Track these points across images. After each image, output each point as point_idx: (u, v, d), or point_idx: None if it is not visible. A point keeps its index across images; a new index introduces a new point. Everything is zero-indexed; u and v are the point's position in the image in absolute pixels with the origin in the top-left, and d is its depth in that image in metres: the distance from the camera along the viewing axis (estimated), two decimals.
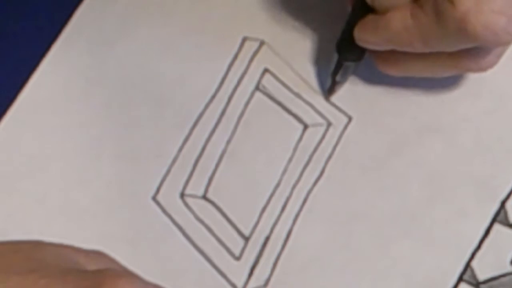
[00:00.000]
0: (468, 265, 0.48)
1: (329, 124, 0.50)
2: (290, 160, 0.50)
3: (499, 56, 0.47)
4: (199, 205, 0.49)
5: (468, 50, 0.45)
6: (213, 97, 0.51)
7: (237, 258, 0.48)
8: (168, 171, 0.49)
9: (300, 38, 0.51)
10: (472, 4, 0.41)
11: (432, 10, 0.43)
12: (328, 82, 0.50)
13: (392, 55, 0.47)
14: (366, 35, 0.47)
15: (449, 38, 0.43)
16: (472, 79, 0.50)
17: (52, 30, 0.52)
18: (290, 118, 0.50)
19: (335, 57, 0.49)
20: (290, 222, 0.49)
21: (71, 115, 0.50)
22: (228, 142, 0.50)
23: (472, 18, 0.42)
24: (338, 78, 0.49)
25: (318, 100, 0.50)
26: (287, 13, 0.51)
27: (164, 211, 0.49)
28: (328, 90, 0.50)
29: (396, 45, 0.46)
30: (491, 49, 0.45)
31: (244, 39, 0.51)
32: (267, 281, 0.48)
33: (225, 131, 0.50)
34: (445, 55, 0.46)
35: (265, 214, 0.49)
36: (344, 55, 0.48)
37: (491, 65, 0.47)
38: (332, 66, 0.49)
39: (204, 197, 0.49)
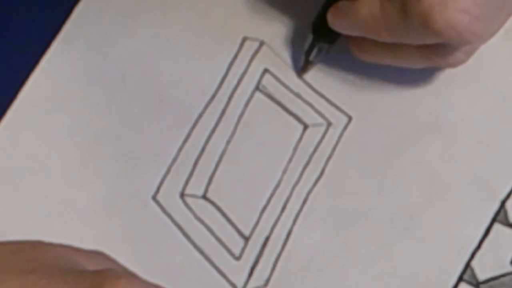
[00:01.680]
0: (468, 265, 0.48)
1: (329, 124, 0.50)
2: (290, 160, 0.50)
3: (468, 54, 0.47)
4: (199, 205, 0.49)
5: (436, 45, 0.45)
6: (213, 97, 0.51)
7: (237, 258, 0.48)
8: (168, 171, 0.49)
9: (300, 38, 0.51)
10: (437, 0, 0.42)
11: (399, 3, 0.43)
12: (302, 61, 0.50)
13: (363, 41, 0.47)
14: (338, 20, 0.47)
15: (414, 32, 0.44)
16: (472, 79, 0.50)
17: (51, 29, 0.52)
18: (290, 118, 0.50)
19: (309, 37, 0.49)
20: (290, 222, 0.49)
21: (71, 114, 0.50)
22: (228, 142, 0.50)
23: (436, 14, 0.42)
24: (311, 58, 0.50)
25: (318, 100, 0.50)
26: (287, 13, 0.51)
27: (164, 211, 0.49)
28: (301, 68, 0.51)
29: (364, 32, 0.46)
30: (459, 46, 0.46)
31: (244, 39, 0.51)
32: (267, 281, 0.48)
33: (225, 131, 0.50)
34: (413, 48, 0.46)
35: (265, 214, 0.49)
36: (318, 36, 0.49)
37: (459, 62, 0.47)
38: (306, 46, 0.50)
39: (204, 197, 0.49)
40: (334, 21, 0.47)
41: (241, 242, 0.48)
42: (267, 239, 0.48)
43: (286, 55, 0.51)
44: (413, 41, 0.45)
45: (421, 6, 0.42)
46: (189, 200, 0.49)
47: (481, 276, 0.47)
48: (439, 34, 0.43)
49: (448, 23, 0.42)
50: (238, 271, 0.48)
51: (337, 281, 0.47)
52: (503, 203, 0.49)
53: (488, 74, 0.50)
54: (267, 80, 0.51)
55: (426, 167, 0.49)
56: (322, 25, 0.48)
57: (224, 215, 0.49)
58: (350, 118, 0.50)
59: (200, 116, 0.50)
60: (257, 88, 0.51)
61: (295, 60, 0.51)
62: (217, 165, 0.50)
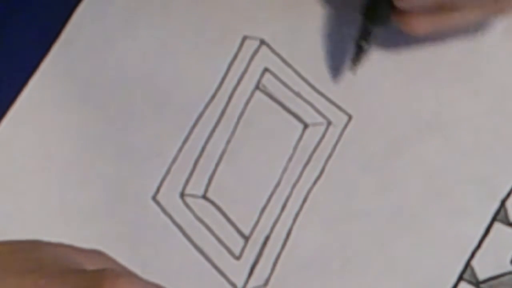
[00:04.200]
0: (468, 264, 0.48)
1: (329, 123, 0.50)
2: (290, 159, 0.50)
3: None
4: (199, 205, 0.49)
5: None
6: (213, 96, 0.51)
7: (237, 258, 0.48)
8: (168, 171, 0.49)
9: (300, 36, 0.51)
10: None
11: None
12: (352, 52, 0.49)
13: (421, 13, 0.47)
14: None
15: None
16: (472, 78, 0.50)
17: (52, 30, 0.52)
18: (290, 117, 0.50)
19: (360, 23, 0.48)
20: (290, 221, 0.49)
21: (71, 115, 0.50)
22: (228, 141, 0.50)
23: None
24: (363, 44, 0.48)
25: (318, 99, 0.50)
26: (287, 12, 0.51)
27: (164, 211, 0.49)
28: (354, 60, 0.49)
29: None
30: None
31: (244, 38, 0.51)
32: (267, 281, 0.48)
33: (225, 130, 0.50)
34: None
35: (265, 214, 0.49)
36: (370, 19, 0.48)
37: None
38: (358, 34, 0.48)
39: (204, 197, 0.49)
40: None
41: (241, 241, 0.48)
42: (267, 238, 0.48)
43: (286, 54, 0.51)
44: None
45: None
46: (189, 200, 0.49)
47: (481, 275, 0.47)
48: None
49: None
50: (238, 271, 0.48)
51: (337, 281, 0.47)
52: (503, 202, 0.49)
53: (488, 73, 0.50)
54: (267, 79, 0.51)
55: (426, 166, 0.49)
56: (373, 8, 0.48)
57: (224, 215, 0.49)
58: (350, 117, 0.50)
59: (200, 116, 0.50)
60: (257, 87, 0.51)
61: (334, 58, 0.50)
62: (217, 165, 0.50)
